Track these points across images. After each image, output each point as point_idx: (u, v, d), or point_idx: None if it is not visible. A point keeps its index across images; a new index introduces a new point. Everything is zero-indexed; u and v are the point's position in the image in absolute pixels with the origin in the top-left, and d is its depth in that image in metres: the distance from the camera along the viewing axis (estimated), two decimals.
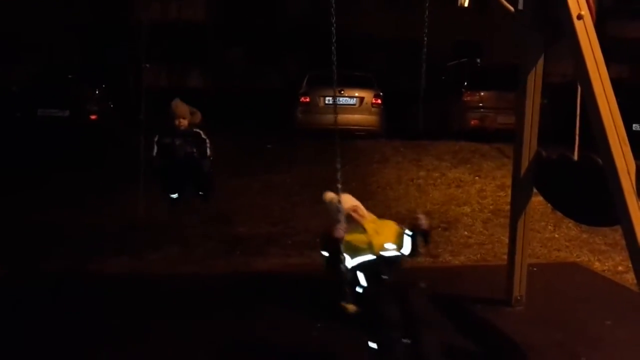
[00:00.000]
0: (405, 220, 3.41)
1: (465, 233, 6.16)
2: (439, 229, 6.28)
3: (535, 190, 4.07)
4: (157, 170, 4.55)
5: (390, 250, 3.19)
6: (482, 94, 12.09)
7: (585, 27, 3.21)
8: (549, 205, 5.47)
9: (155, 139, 4.46)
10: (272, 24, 19.47)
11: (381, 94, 12.22)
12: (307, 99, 12.02)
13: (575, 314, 4.05)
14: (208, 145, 4.55)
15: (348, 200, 3.36)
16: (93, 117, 11.91)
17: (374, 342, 2.90)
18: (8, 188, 7.00)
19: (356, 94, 11.96)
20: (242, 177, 8.14)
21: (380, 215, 7.00)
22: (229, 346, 3.50)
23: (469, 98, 12.10)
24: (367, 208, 7.79)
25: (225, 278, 4.79)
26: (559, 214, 5.62)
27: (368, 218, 3.35)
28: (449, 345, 3.54)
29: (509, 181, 6.23)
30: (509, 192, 5.11)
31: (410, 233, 3.31)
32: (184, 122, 4.47)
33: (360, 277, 3.12)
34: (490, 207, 7.01)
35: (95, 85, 12.33)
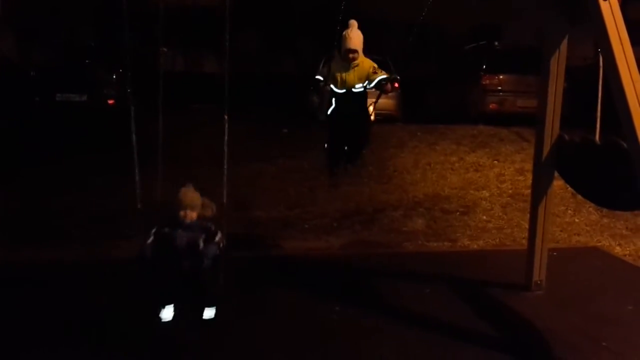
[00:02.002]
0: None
1: (484, 217, 6.13)
2: (457, 213, 6.26)
3: (555, 174, 4.03)
4: (147, 264, 3.50)
5: (357, 87, 4.57)
6: (500, 77, 11.93)
7: (611, 9, 3.14)
8: (568, 189, 5.41)
9: (154, 230, 3.54)
10: (287, 7, 19.36)
11: (398, 78, 12.12)
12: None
13: (596, 298, 4.02)
14: (219, 235, 3.59)
15: (354, 42, 4.47)
16: (111, 101, 11.97)
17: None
18: (25, 172, 7.08)
19: None
20: (258, 162, 8.15)
21: (399, 199, 7.05)
22: (245, 329, 3.52)
23: (487, 81, 11.95)
24: (384, 192, 7.80)
25: (242, 261, 4.81)
26: (578, 198, 5.56)
27: (359, 62, 4.54)
28: (468, 329, 3.55)
29: (528, 165, 6.19)
30: (528, 176, 5.08)
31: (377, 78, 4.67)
32: (192, 215, 3.57)
33: (333, 102, 4.61)
34: (509, 191, 6.96)
35: (113, 70, 12.38)
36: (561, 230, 5.72)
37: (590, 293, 4.12)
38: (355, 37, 4.45)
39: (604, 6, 3.12)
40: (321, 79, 4.66)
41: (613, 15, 3.13)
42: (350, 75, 4.52)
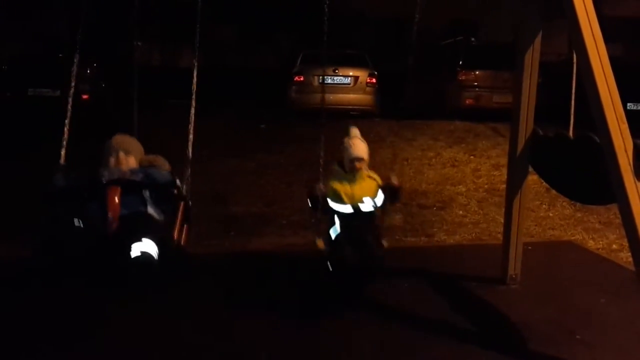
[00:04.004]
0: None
1: (460, 212, 6.17)
2: (434, 208, 6.30)
3: (530, 169, 4.07)
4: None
5: (366, 203, 3.72)
6: (477, 73, 12.05)
7: (584, 4, 3.17)
8: (543, 184, 5.48)
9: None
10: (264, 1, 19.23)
11: (376, 73, 12.15)
12: (301, 78, 11.94)
13: (570, 291, 4.07)
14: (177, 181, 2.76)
15: (360, 150, 3.76)
16: (85, 96, 11.80)
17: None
18: None
19: (350, 73, 11.89)
20: (236, 158, 8.12)
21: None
22: (224, 325, 3.50)
23: (464, 77, 12.05)
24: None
25: (220, 258, 4.79)
26: (553, 192, 5.63)
27: (363, 174, 3.78)
28: (444, 323, 3.58)
29: (503, 160, 6.24)
30: (504, 171, 5.12)
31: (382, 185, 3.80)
32: (131, 161, 2.75)
33: (337, 222, 3.70)
34: (485, 186, 7.03)
35: (87, 64, 12.21)
36: (536, 225, 5.79)
37: (565, 286, 4.17)
38: (360, 144, 3.80)
39: (578, 2, 3.15)
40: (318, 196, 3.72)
41: (586, 11, 3.16)
42: (356, 188, 3.73)
